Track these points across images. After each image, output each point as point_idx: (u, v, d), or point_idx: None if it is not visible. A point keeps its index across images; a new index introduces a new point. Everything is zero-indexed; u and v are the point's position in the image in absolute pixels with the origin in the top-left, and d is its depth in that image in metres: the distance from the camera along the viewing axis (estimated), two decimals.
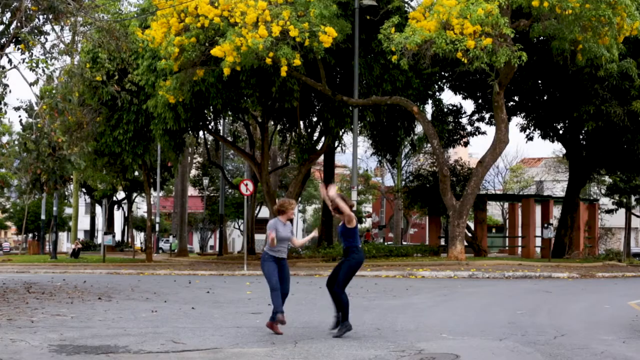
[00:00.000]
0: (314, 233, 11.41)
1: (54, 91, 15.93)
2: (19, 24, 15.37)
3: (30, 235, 61.43)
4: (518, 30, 22.90)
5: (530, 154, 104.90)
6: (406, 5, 27.31)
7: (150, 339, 8.97)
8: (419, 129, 33.33)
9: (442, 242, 34.94)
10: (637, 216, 52.24)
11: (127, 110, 29.04)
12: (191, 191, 58.86)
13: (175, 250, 45.21)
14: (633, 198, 46.36)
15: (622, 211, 48.93)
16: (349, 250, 9.46)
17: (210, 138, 42.32)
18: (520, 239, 36.26)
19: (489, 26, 20.12)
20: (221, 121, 37.42)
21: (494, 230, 36.24)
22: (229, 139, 40.15)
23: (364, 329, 10.00)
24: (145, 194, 36.08)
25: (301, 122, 32.48)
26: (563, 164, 51.62)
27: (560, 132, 33.69)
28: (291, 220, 9.91)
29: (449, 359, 7.85)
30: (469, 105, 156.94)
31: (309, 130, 33.72)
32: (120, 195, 58.48)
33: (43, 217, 40.90)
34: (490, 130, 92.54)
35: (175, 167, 36.24)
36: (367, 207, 72.49)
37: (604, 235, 55.20)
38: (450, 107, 33.61)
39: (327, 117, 28.33)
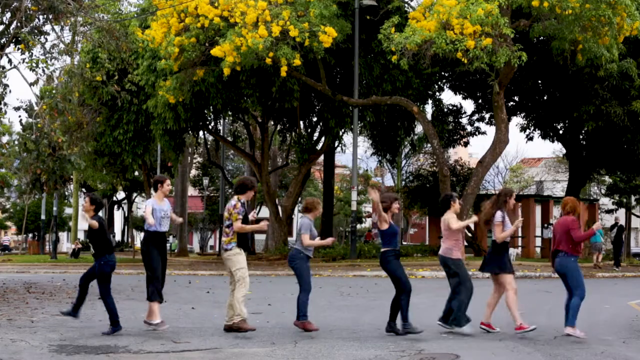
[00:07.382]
0: (329, 240, 10.83)
1: (54, 91, 15.93)
2: (19, 24, 15.35)
3: (30, 235, 61.37)
4: (518, 30, 22.88)
5: (530, 154, 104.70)
6: (406, 5, 27.30)
7: (150, 339, 8.97)
8: (419, 129, 33.31)
9: None
10: (637, 216, 52.21)
11: (127, 110, 29.05)
12: (191, 191, 58.79)
13: (176, 250, 45.19)
14: (633, 198, 46.33)
15: (622, 211, 48.90)
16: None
17: (210, 138, 42.27)
18: (520, 239, 36.26)
19: (489, 26, 20.11)
20: (221, 121, 37.41)
21: None
22: (229, 139, 40.11)
23: (364, 329, 10.00)
24: (145, 194, 36.08)
25: (301, 122, 32.46)
26: (563, 164, 51.58)
27: (560, 132, 33.67)
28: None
29: (449, 359, 7.85)
30: (469, 105, 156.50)
31: (309, 130, 33.69)
32: (120, 195, 58.45)
33: (43, 217, 40.89)
34: (490, 130, 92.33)
35: (175, 167, 36.26)
36: (367, 207, 72.45)
37: (604, 235, 55.09)
38: (450, 107, 33.60)
39: (327, 117, 28.32)
